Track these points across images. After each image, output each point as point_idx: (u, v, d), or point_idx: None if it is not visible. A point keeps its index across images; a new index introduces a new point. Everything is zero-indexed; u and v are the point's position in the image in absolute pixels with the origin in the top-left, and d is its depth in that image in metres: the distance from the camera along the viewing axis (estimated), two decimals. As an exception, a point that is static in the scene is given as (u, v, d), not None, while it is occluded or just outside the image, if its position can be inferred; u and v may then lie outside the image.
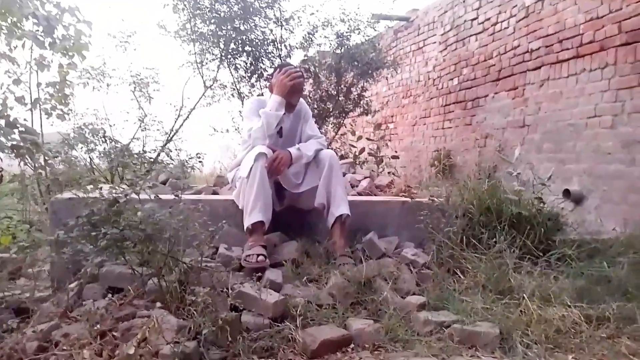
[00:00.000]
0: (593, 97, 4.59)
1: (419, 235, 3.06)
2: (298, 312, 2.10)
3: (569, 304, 2.26)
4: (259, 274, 2.37)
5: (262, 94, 6.24)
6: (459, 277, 2.66)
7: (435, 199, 3.16)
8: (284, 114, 2.93)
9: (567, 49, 4.90)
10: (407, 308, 2.28)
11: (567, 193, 4.69)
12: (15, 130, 2.90)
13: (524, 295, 2.30)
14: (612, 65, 4.37)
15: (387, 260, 2.75)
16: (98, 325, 1.85)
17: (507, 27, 5.87)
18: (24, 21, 3.66)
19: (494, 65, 6.10)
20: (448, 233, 2.87)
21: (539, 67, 5.31)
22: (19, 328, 1.96)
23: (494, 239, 2.79)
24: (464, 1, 6.81)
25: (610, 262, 2.77)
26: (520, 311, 2.21)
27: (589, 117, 4.62)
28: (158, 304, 2.01)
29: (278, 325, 2.05)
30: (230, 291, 2.13)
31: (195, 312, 1.93)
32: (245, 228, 2.67)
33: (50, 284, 2.59)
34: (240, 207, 2.80)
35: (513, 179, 3.39)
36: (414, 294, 2.46)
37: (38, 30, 3.66)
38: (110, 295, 2.14)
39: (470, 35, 6.64)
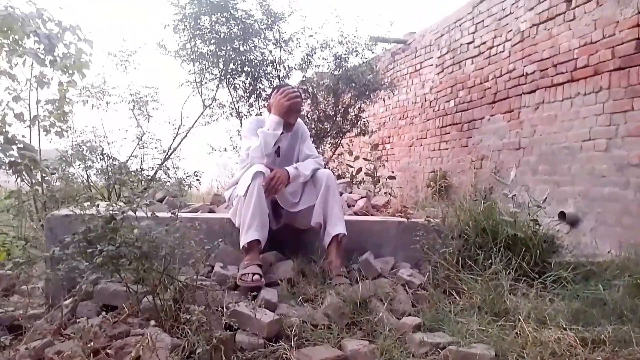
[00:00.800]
0: (587, 120, 4.64)
1: (415, 256, 3.07)
2: (293, 332, 2.09)
3: (565, 326, 2.25)
4: (254, 293, 2.37)
5: (260, 114, 6.29)
6: (455, 298, 2.66)
7: (432, 220, 3.17)
8: (282, 133, 2.97)
9: (562, 72, 4.98)
10: (402, 329, 2.26)
11: (562, 215, 4.71)
12: (14, 147, 2.92)
13: (520, 317, 2.29)
14: (606, 89, 4.43)
15: (383, 281, 2.74)
16: (92, 343, 1.84)
17: (503, 51, 5.96)
18: (26, 39, 3.69)
19: (490, 88, 6.18)
20: (444, 254, 2.88)
21: (534, 91, 5.38)
22: (12, 345, 1.94)
23: (490, 261, 2.80)
24: (460, 25, 6.92)
25: (605, 284, 2.77)
26: (516, 333, 2.20)
27: (584, 140, 4.67)
28: (152, 322, 2.01)
29: (273, 345, 2.04)
30: (225, 310, 2.12)
31: (189, 331, 1.92)
32: (241, 246, 2.67)
33: (45, 301, 2.57)
34: (236, 225, 2.80)
35: (509, 201, 3.42)
36: (409, 314, 2.45)
37: (39, 48, 3.69)
38: (104, 312, 2.13)
39: (467, 59, 6.73)
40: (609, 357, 2.11)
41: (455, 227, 3.08)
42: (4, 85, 4.17)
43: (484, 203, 3.29)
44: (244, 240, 2.65)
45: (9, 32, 3.61)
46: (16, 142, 2.93)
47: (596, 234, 4.42)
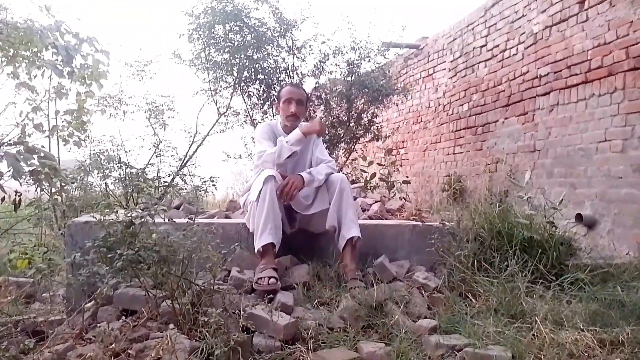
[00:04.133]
0: (603, 121, 4.60)
1: (430, 259, 3.07)
2: (309, 334, 2.11)
3: (582, 327, 2.24)
4: (271, 296, 2.39)
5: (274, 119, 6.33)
6: (471, 300, 2.65)
7: (446, 223, 3.17)
8: None
9: (576, 74, 4.95)
10: (418, 332, 2.27)
11: (579, 217, 4.67)
12: (34, 156, 2.98)
13: (536, 319, 2.28)
14: (621, 90, 4.40)
15: (398, 284, 2.75)
16: (112, 346, 1.88)
17: (516, 54, 5.94)
18: (44, 51, 3.78)
19: (504, 91, 6.16)
20: (459, 257, 2.88)
21: (548, 93, 5.35)
22: (35, 349, 1.99)
23: (506, 263, 2.78)
24: (472, 29, 6.91)
25: (623, 286, 2.74)
26: (533, 335, 2.20)
27: (599, 142, 4.63)
28: (171, 326, 2.04)
29: (289, 348, 2.06)
30: (242, 313, 2.15)
31: (207, 334, 1.95)
32: (256, 250, 2.70)
33: (65, 307, 2.63)
34: (251, 230, 2.84)
35: (524, 203, 3.40)
36: (425, 317, 2.46)
37: (57, 60, 3.78)
38: (124, 317, 2.17)
39: (480, 62, 6.72)
40: (628, 358, 2.09)
41: (471, 230, 3.07)
42: (24, 97, 4.28)
43: (499, 206, 3.27)
44: (258, 244, 2.67)
45: (29, 44, 3.70)
46: (36, 151, 2.99)
47: (614, 236, 4.37)
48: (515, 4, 5.97)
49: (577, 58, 4.94)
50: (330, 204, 2.90)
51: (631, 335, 2.20)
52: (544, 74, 5.41)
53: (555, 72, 5.25)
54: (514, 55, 5.99)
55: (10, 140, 3.56)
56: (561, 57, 5.16)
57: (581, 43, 4.88)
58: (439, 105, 7.82)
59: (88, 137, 5.33)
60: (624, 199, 4.35)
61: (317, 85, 6.77)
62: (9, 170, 2.52)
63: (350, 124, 6.79)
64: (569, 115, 5.05)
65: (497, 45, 6.32)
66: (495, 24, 6.37)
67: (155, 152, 6.49)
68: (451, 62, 7.48)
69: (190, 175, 6.33)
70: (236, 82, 6.54)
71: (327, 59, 6.60)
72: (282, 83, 6.60)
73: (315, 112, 6.97)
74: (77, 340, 2.10)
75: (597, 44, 4.68)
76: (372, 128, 7.07)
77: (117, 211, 2.29)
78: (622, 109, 4.39)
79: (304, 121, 3.34)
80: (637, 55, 4.22)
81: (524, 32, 5.79)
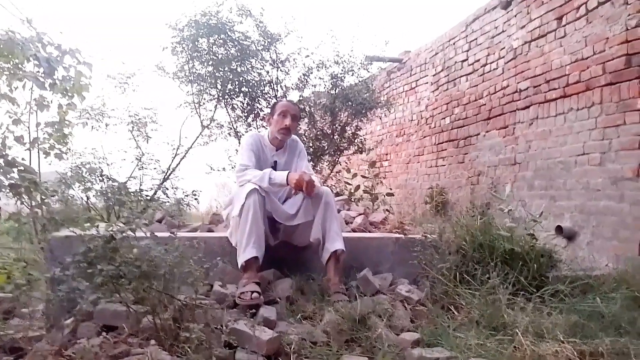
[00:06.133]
0: (581, 135, 4.70)
1: (413, 272, 3.08)
2: (292, 349, 2.10)
3: (563, 339, 2.26)
4: (253, 311, 2.38)
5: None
6: (453, 313, 2.67)
7: (429, 236, 3.20)
8: (279, 149, 3.13)
9: (555, 88, 5.05)
10: (401, 345, 2.27)
11: (559, 229, 4.74)
12: (14, 169, 2.95)
13: (518, 331, 2.30)
14: (599, 104, 4.50)
15: (382, 297, 2.76)
16: (92, 363, 1.85)
17: (497, 68, 6.05)
18: (26, 62, 3.74)
19: (485, 104, 6.25)
20: (442, 269, 2.90)
21: (528, 107, 5.45)
22: (12, 367, 1.95)
23: (487, 275, 2.81)
24: (454, 43, 7.03)
25: (603, 297, 2.78)
26: (514, 347, 2.21)
27: (578, 155, 4.72)
28: (152, 342, 2.02)
29: (272, 363, 2.05)
30: (224, 328, 2.13)
31: (189, 350, 1.93)
32: (239, 265, 2.69)
33: (45, 323, 2.58)
34: (234, 245, 2.82)
35: (505, 216, 3.44)
36: (408, 330, 2.46)
37: (39, 72, 3.74)
38: (104, 333, 2.14)
39: (461, 76, 6.83)
40: (607, 369, 2.12)
41: (453, 242, 3.10)
42: (4, 109, 4.22)
43: (480, 218, 3.31)
44: (242, 259, 2.66)
45: (10, 56, 3.66)
46: (16, 164, 2.96)
47: (593, 248, 4.44)
48: (495, 20, 6.09)
49: (555, 73, 5.04)
50: (314, 217, 2.91)
51: (610, 346, 2.23)
52: (524, 88, 5.51)
53: (534, 87, 5.36)
54: (494, 69, 6.10)
55: (-11, 153, 3.50)
56: (540, 72, 5.26)
57: (559, 58, 4.99)
58: (422, 118, 7.91)
59: (69, 149, 5.28)
60: (602, 211, 4.43)
61: (301, 98, 6.81)
62: (-12, 184, 2.48)
63: (334, 137, 6.84)
64: (549, 129, 5.14)
65: (478, 60, 6.43)
66: (476, 39, 6.49)
67: (137, 165, 6.45)
68: (433, 75, 7.59)
69: (173, 188, 6.29)
70: (220, 94, 6.55)
71: (311, 73, 6.65)
72: (266, 96, 6.63)
73: (299, 125, 7.00)
74: (56, 357, 2.06)
75: (574, 59, 4.79)
76: (355, 141, 7.12)
77: (97, 225, 2.27)
78: (599, 123, 4.48)
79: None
80: (613, 70, 4.33)
81: (504, 47, 5.90)
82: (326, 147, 6.83)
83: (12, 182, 2.87)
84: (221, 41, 6.27)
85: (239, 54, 6.28)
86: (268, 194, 2.87)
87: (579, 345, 2.24)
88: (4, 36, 3.53)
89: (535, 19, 5.38)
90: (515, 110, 5.68)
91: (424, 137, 7.80)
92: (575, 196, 4.75)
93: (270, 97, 6.67)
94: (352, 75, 6.76)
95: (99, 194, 5.37)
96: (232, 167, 7.10)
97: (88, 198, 5.46)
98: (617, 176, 4.28)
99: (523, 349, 2.16)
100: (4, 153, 3.42)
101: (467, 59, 6.70)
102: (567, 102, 4.89)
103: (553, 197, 5.04)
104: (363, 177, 6.13)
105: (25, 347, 2.18)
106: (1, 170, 2.82)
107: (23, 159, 3.75)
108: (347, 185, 6.25)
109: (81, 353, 1.89)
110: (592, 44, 4.58)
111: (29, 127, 4.49)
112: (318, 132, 6.82)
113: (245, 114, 6.77)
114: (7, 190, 2.93)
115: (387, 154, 9.06)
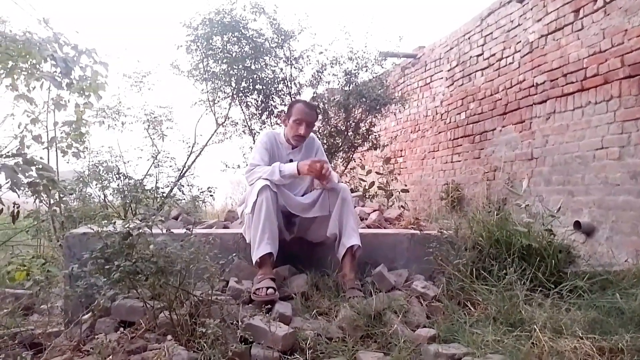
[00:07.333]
0: (599, 129, 4.62)
1: (428, 268, 3.06)
2: (308, 345, 2.11)
3: (581, 335, 2.23)
4: (269, 306, 2.38)
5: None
6: (470, 309, 2.65)
7: (445, 232, 3.17)
8: (295, 148, 3.08)
9: (572, 82, 4.97)
10: (417, 341, 2.26)
11: (577, 225, 4.67)
12: (33, 168, 2.99)
13: (535, 327, 2.27)
14: (617, 97, 4.42)
15: (397, 293, 2.75)
16: (110, 358, 1.87)
17: (512, 62, 5.98)
18: (43, 63, 3.80)
19: (501, 99, 6.19)
20: (458, 265, 2.87)
21: (545, 101, 5.38)
22: (32, 361, 1.98)
23: (504, 271, 2.78)
24: (469, 38, 6.96)
25: (622, 293, 2.73)
26: (532, 343, 2.19)
27: (596, 149, 4.65)
28: (169, 337, 2.04)
29: (288, 358, 2.06)
30: (240, 324, 2.14)
31: (205, 345, 1.94)
32: (254, 262, 2.70)
33: (63, 318, 2.62)
34: (247, 242, 2.83)
35: (522, 211, 3.40)
36: (424, 326, 2.45)
37: (56, 72, 3.79)
38: (122, 328, 2.16)
39: (476, 71, 6.76)
40: (627, 365, 2.08)
41: (469, 238, 3.07)
42: (22, 108, 4.29)
43: (497, 214, 3.27)
44: (256, 256, 2.67)
45: (27, 56, 3.71)
46: (35, 163, 3.00)
47: (612, 243, 4.37)
48: (511, 13, 6.02)
49: (573, 66, 4.97)
50: (330, 212, 2.90)
51: (630, 342, 2.20)
52: (540, 82, 5.44)
53: (551, 81, 5.28)
54: (510, 64, 6.03)
55: (8, 152, 3.56)
56: (557, 66, 5.19)
57: (577, 51, 4.92)
58: (437, 114, 7.85)
59: (87, 148, 5.35)
60: (621, 206, 4.36)
61: (315, 95, 6.80)
62: (7, 182, 2.52)
63: (349, 133, 6.82)
64: (566, 123, 5.07)
65: (494, 54, 6.36)
66: (492, 33, 6.42)
67: (153, 163, 6.51)
68: (448, 71, 7.52)
69: (188, 185, 6.34)
70: (234, 92, 6.58)
71: (325, 69, 6.64)
72: (280, 93, 6.63)
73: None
74: (74, 352, 2.10)
75: (592, 52, 4.71)
76: (370, 137, 7.10)
77: (114, 222, 2.29)
78: (618, 117, 4.41)
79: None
80: (632, 63, 4.25)
81: (520, 41, 5.83)
82: (340, 144, 6.82)
83: (31, 180, 2.91)
84: (235, 39, 6.29)
85: (252, 52, 6.29)
86: (280, 188, 2.86)
87: (598, 341, 2.21)
88: (21, 37, 3.58)
89: (551, 12, 5.30)
90: (531, 105, 5.61)
91: (439, 132, 7.74)
92: (594, 191, 4.68)
93: (284, 95, 6.68)
94: (366, 71, 6.73)
95: (115, 191, 5.43)
96: (247, 165, 7.14)
97: (105, 196, 5.53)
98: (637, 170, 4.20)
99: (541, 345, 2.14)
100: (22, 152, 3.48)
101: (482, 54, 6.63)
102: (585, 96, 4.82)
103: (571, 192, 4.97)
104: (377, 173, 6.11)
105: (44, 342, 2.22)
106: (20, 169, 2.86)
107: (41, 158, 3.81)
108: (362, 182, 6.23)
109: (99, 348, 1.91)
110: (610, 36, 4.50)
111: (46, 127, 4.56)
112: (332, 129, 6.81)
113: (260, 112, 6.78)
114: (26, 189, 2.97)
115: (401, 150, 9.02)
